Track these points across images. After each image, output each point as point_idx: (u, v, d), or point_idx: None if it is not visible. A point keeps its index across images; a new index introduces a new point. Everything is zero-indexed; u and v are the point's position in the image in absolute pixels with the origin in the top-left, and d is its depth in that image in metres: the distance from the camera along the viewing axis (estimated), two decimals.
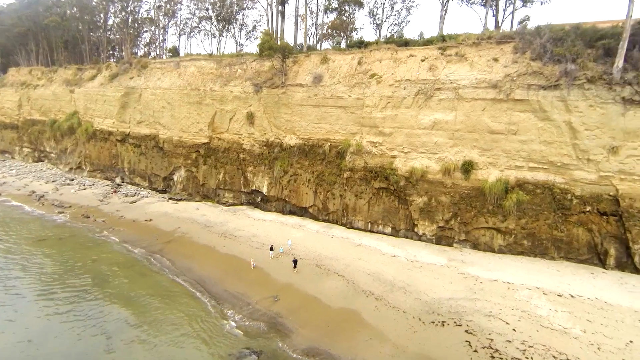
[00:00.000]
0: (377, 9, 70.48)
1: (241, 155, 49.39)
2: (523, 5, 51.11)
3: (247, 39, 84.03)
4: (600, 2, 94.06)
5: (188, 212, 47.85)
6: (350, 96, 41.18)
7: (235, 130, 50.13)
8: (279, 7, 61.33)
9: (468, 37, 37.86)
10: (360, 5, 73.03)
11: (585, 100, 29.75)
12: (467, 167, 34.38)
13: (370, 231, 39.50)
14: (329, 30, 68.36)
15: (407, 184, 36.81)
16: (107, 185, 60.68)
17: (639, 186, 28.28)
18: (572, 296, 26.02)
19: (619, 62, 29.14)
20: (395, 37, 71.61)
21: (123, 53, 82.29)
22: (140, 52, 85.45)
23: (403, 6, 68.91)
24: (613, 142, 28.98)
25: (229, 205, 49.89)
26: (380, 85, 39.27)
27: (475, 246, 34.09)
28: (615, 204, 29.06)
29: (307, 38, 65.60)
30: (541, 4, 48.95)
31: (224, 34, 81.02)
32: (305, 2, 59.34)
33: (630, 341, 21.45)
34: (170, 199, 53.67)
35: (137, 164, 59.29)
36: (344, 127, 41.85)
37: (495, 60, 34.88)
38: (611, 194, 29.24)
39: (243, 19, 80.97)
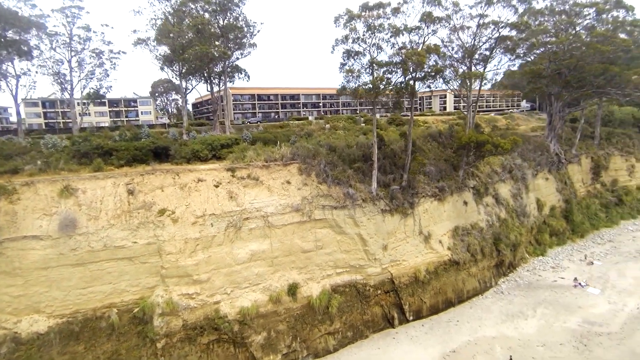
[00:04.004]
0: (58, 65, 55.48)
1: None
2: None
3: None
4: None
5: None
6: (136, 242, 31.56)
7: None
8: None
9: (254, 158, 38.26)
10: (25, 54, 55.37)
11: (364, 215, 38.73)
12: (293, 290, 36.05)
13: None
14: None
15: (242, 327, 33.69)
16: None
17: (401, 268, 40.89)
18: None
19: (374, 184, 39.88)
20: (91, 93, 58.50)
21: None
22: None
23: (94, 63, 57.66)
24: (384, 242, 39.85)
25: None
26: (179, 225, 32.64)
27: (316, 355, 36.98)
28: (392, 283, 40.52)
29: None
30: None
31: None
32: None
33: None
34: None
35: None
36: (135, 283, 31.80)
37: (289, 182, 37.80)
38: (389, 277, 40.40)
39: None
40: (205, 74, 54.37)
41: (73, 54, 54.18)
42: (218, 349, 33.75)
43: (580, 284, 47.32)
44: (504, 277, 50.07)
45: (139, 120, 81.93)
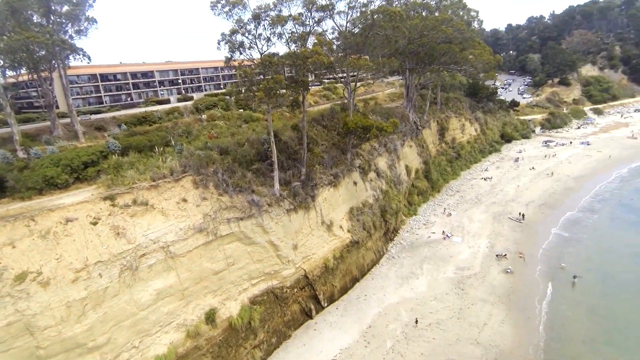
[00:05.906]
0: None
1: None
2: None
3: None
4: None
5: None
6: None
7: None
8: None
9: (137, 177, 31.59)
10: None
11: (272, 220, 37.09)
12: (211, 316, 32.83)
13: None
14: None
15: None
16: None
17: (312, 262, 41.44)
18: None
19: (276, 185, 38.18)
20: None
21: None
22: None
23: None
24: (293, 242, 39.34)
25: None
26: (53, 288, 25.18)
27: None
28: (306, 278, 40.92)
29: None
30: None
31: None
32: None
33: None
34: None
35: None
36: None
37: (185, 200, 32.98)
38: (303, 274, 40.56)
39: None
40: (30, 63, 41.05)
41: None
42: None
43: (447, 235, 57.02)
44: (391, 242, 56.45)
45: None
